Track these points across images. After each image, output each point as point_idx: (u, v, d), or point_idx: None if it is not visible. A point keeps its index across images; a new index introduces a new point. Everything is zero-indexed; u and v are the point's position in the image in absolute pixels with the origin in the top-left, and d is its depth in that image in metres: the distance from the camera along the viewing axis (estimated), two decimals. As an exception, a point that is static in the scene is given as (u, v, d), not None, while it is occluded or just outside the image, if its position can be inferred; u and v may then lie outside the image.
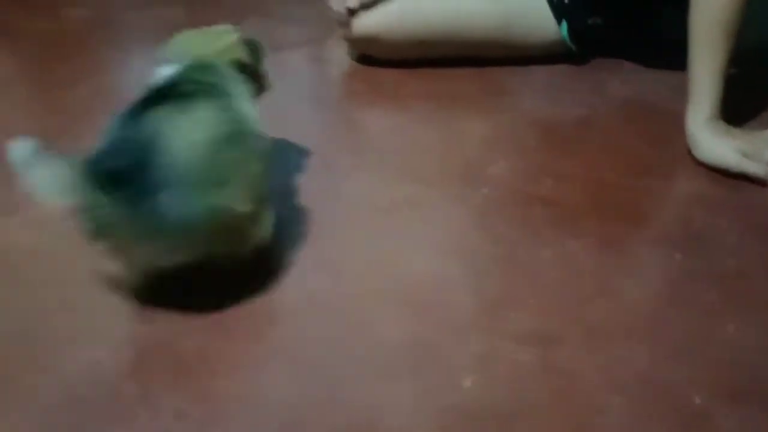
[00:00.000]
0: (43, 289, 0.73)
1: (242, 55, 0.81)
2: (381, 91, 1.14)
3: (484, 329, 0.68)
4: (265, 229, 0.72)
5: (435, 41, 1.16)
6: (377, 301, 0.71)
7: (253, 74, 0.82)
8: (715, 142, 0.91)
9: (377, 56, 1.19)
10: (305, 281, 0.74)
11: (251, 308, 0.70)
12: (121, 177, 0.63)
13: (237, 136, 0.68)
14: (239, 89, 0.74)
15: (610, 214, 0.84)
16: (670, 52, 0.98)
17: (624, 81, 1.14)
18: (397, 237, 0.80)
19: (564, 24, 1.15)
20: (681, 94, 0.95)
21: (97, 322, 0.69)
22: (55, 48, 1.29)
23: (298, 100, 1.12)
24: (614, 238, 0.81)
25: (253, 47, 0.84)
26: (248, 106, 0.73)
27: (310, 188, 0.89)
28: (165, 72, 0.74)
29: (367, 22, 1.15)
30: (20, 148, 0.66)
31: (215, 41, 0.83)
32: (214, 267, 0.67)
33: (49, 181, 0.66)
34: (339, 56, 1.24)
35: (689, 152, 0.94)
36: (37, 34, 1.34)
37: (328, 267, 0.76)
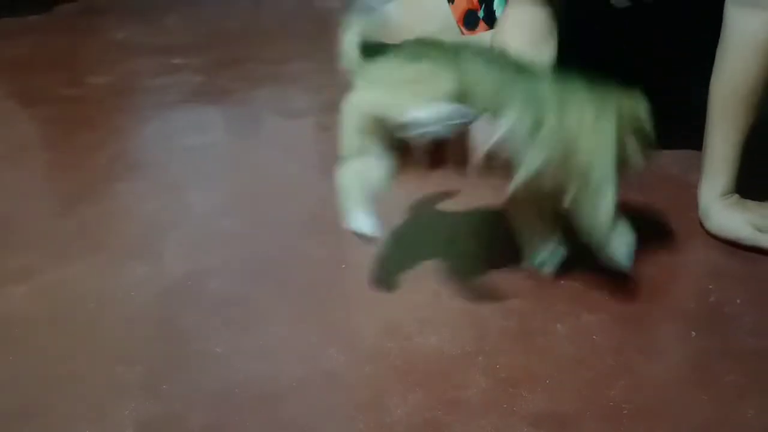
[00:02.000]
0: (48, 361, 0.73)
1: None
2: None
3: (497, 409, 0.67)
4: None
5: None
6: (388, 379, 0.70)
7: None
8: (727, 216, 0.91)
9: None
10: (316, 355, 0.73)
11: (260, 382, 0.70)
12: None
13: None
14: None
15: (625, 288, 0.83)
16: (687, 123, 0.99)
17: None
18: (409, 311, 0.79)
19: None
20: (696, 165, 0.95)
21: (105, 396, 0.68)
22: (77, 114, 1.33)
23: (310, 167, 1.13)
24: (629, 312, 0.79)
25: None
26: None
27: (322, 257, 0.89)
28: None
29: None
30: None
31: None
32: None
33: None
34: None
35: (702, 225, 0.94)
36: (60, 100, 1.38)
37: (341, 340, 0.75)
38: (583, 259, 0.85)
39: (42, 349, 0.75)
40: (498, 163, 0.72)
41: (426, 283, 0.84)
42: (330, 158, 1.20)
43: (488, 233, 0.94)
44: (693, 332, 0.77)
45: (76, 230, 0.96)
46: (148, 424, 0.65)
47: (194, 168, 1.12)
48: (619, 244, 0.77)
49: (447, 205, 0.99)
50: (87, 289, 0.84)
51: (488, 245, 0.91)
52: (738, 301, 0.81)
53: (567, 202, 0.75)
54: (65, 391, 0.69)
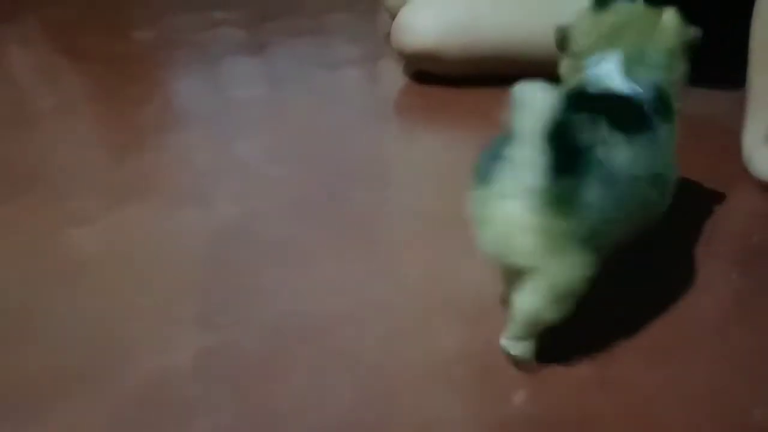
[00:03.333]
0: (113, 297, 0.77)
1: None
2: (435, 108, 1.16)
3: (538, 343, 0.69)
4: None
5: (493, 58, 1.16)
6: (434, 312, 0.73)
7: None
8: (769, 157, 0.90)
9: (433, 72, 1.20)
10: (363, 290, 0.76)
11: (309, 315, 0.73)
12: None
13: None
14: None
15: (668, 228, 0.83)
16: (729, 66, 0.97)
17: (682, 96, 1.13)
18: (453, 250, 0.82)
19: None
20: (740, 109, 0.94)
21: (165, 329, 0.72)
22: (124, 68, 1.36)
23: (354, 116, 1.15)
24: (673, 250, 0.80)
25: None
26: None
27: (368, 201, 0.92)
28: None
29: (424, 38, 1.16)
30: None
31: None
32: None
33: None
34: (394, 73, 1.27)
35: (746, 169, 0.93)
36: (106, 55, 1.42)
37: (387, 277, 0.78)
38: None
39: (103, 287, 0.79)
40: None
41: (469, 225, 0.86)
42: (373, 107, 1.23)
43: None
44: (736, 272, 0.77)
45: (130, 177, 1.00)
46: (206, 353, 0.69)
47: (240, 119, 1.15)
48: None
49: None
50: (143, 232, 0.88)
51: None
52: (781, 241, 0.82)
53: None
54: (127, 324, 0.73)
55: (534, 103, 0.54)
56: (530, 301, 0.59)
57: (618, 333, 0.69)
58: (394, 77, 1.27)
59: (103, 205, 0.93)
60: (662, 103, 0.70)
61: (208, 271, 0.81)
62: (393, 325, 0.72)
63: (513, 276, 0.59)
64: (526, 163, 0.55)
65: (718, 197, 0.90)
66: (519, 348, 0.63)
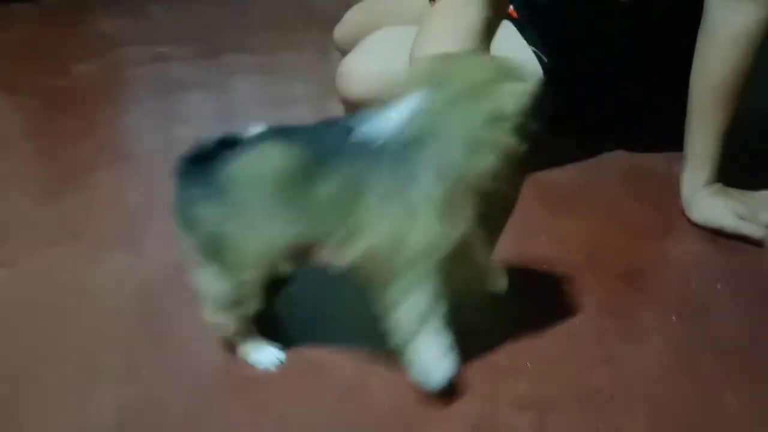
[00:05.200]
0: (29, 347, 0.72)
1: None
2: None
3: (481, 393, 0.67)
4: None
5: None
6: (369, 365, 0.70)
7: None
8: (710, 203, 0.91)
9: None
10: (296, 345, 0.73)
11: (239, 368, 0.70)
12: None
13: None
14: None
15: (608, 276, 0.83)
16: (667, 116, 0.99)
17: (620, 144, 1.15)
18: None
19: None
20: (678, 157, 0.96)
21: (86, 382, 0.68)
22: (63, 103, 1.32)
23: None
24: (612, 300, 0.80)
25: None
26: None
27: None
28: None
29: (367, 85, 1.15)
30: None
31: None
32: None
33: None
34: (338, 112, 1.26)
35: (684, 216, 0.94)
36: (45, 90, 1.37)
37: (318, 333, 0.75)
38: (571, 249, 0.86)
39: (22, 335, 0.74)
40: None
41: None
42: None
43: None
44: (674, 318, 0.77)
45: (58, 219, 0.95)
46: (129, 409, 0.65)
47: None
48: (430, 361, 0.63)
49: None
50: (68, 278, 0.83)
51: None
52: (719, 287, 0.82)
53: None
54: (45, 376, 0.69)
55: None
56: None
57: (560, 384, 0.68)
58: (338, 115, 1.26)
59: (26, 248, 0.88)
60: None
61: (134, 320, 0.76)
62: (327, 381, 0.69)
63: None
64: None
65: (658, 242, 0.91)
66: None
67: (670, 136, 0.99)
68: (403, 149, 0.58)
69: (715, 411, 0.66)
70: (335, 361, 0.71)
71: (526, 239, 0.90)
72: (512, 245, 0.88)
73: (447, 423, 0.64)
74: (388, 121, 0.59)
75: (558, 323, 0.76)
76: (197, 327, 0.75)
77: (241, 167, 0.62)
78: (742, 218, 0.89)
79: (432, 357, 0.63)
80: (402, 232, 0.58)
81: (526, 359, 0.71)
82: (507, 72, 0.60)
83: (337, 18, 1.34)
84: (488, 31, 0.87)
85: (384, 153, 0.58)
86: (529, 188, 1.01)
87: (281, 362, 0.70)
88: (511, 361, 0.71)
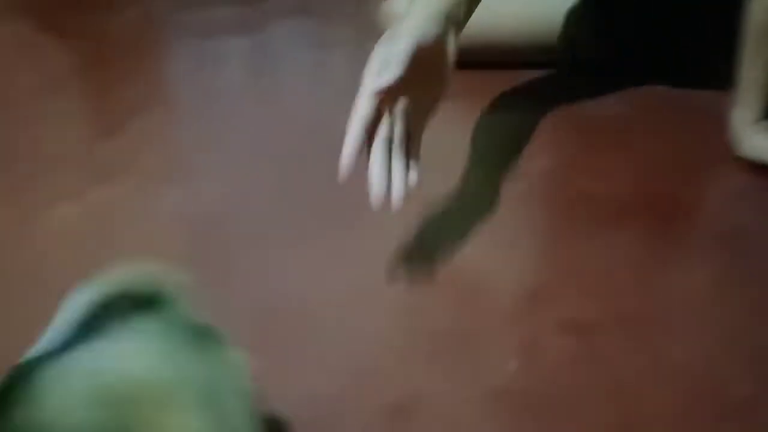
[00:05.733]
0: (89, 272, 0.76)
1: None
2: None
3: (526, 317, 0.69)
4: None
5: (482, 44, 1.15)
6: (426, 287, 0.73)
7: None
8: (759, 139, 0.90)
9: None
10: (346, 270, 0.76)
11: (292, 296, 0.73)
12: None
13: None
14: None
15: (654, 210, 0.84)
16: (716, 49, 0.97)
17: (668, 79, 1.13)
18: (438, 227, 0.81)
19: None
20: (726, 92, 0.94)
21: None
22: (111, 46, 1.34)
23: (342, 98, 1.14)
24: (657, 233, 0.81)
25: None
26: None
27: (353, 183, 0.91)
28: None
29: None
30: None
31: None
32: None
33: None
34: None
35: (734, 149, 0.93)
36: (93, 33, 1.40)
37: (372, 256, 0.78)
38: (617, 184, 0.86)
39: (80, 262, 0.78)
40: None
41: (454, 202, 0.85)
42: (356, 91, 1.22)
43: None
44: (721, 252, 0.78)
45: (113, 156, 0.99)
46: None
47: (227, 99, 1.14)
48: None
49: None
50: (125, 210, 0.87)
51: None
52: (763, 221, 0.82)
53: None
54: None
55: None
56: None
57: (602, 308, 0.70)
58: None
59: (84, 183, 0.92)
60: None
61: (189, 251, 0.80)
62: (378, 306, 0.72)
63: None
64: None
65: (704, 175, 0.90)
66: None
67: (718, 71, 0.97)
68: None
69: (756, 337, 0.67)
70: (380, 295, 0.73)
71: (571, 173, 0.91)
72: (560, 177, 0.90)
73: (491, 347, 0.66)
74: None
75: (602, 253, 0.77)
76: (246, 257, 0.78)
77: None
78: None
79: None
80: None
81: (568, 285, 0.73)
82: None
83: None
84: None
85: None
86: (572, 125, 1.02)
87: None
88: (552, 287, 0.73)
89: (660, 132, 1.00)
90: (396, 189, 0.70)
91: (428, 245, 0.79)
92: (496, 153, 0.96)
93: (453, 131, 1.02)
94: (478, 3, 0.81)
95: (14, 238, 0.81)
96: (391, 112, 0.72)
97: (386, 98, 0.69)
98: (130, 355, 0.41)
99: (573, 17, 1.13)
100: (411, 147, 0.73)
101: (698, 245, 0.79)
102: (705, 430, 0.59)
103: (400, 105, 0.72)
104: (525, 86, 1.13)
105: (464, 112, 1.07)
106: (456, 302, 0.71)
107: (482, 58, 1.15)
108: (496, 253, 0.78)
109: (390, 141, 0.71)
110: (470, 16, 0.79)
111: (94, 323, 0.45)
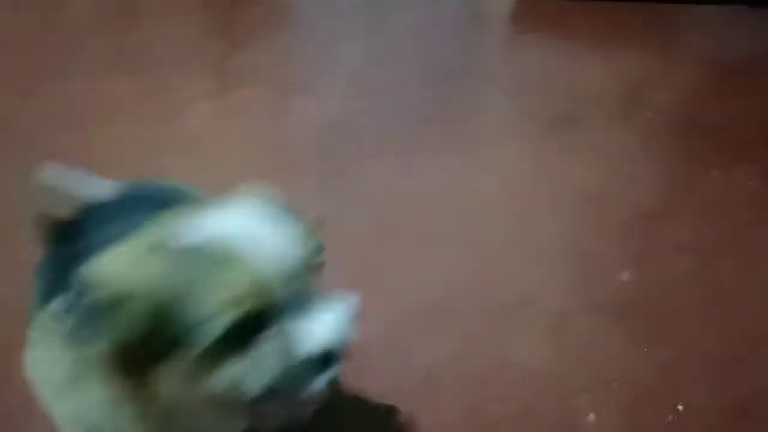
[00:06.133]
0: (225, 166, 0.82)
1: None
2: (551, 22, 1.14)
3: (641, 235, 0.70)
4: None
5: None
6: (538, 204, 0.75)
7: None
8: None
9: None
10: (469, 182, 0.79)
11: (409, 199, 0.76)
12: None
13: None
14: None
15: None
16: None
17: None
18: (557, 149, 0.83)
19: None
20: None
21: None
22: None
23: (461, 23, 1.16)
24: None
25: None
26: None
27: (468, 102, 0.94)
28: None
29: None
30: None
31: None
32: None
33: None
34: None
35: None
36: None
37: (493, 171, 0.81)
38: (743, 119, 0.85)
39: (217, 158, 0.84)
40: None
41: (574, 126, 0.86)
42: (482, 15, 1.21)
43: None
44: None
45: (242, 67, 1.04)
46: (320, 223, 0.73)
47: (345, 21, 1.17)
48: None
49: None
50: (255, 114, 0.92)
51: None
52: None
53: None
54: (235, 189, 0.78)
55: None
56: None
57: (720, 234, 0.70)
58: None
59: (218, 88, 0.98)
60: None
61: (316, 155, 0.84)
62: (493, 212, 0.75)
63: None
64: None
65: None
66: None
67: None
68: None
69: None
70: (500, 198, 0.76)
71: (696, 106, 0.90)
72: (685, 110, 0.89)
73: (607, 257, 0.68)
74: None
75: (723, 182, 0.77)
76: (370, 164, 0.82)
77: None
78: None
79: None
80: None
81: (685, 209, 0.73)
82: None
83: None
84: None
85: None
86: (699, 60, 1.00)
87: None
88: (669, 210, 0.73)
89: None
90: None
91: (547, 166, 0.81)
92: (622, 82, 0.96)
93: (574, 59, 1.02)
94: None
95: (155, 134, 0.88)
96: None
97: None
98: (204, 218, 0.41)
99: None
100: None
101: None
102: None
103: None
104: (652, 20, 1.11)
105: (589, 42, 1.06)
106: (570, 218, 0.73)
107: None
108: (614, 175, 0.79)
109: None
110: None
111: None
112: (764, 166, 0.80)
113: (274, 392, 0.40)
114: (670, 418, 0.55)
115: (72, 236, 0.48)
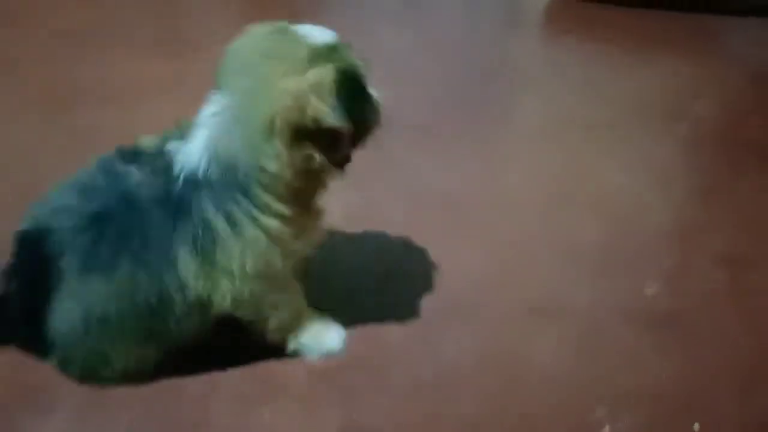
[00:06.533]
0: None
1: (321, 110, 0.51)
2: (588, 25, 1.13)
3: (676, 245, 0.69)
4: None
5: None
6: (574, 205, 0.75)
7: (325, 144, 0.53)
8: None
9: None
10: (504, 179, 0.79)
11: (444, 190, 0.76)
12: None
13: None
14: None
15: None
16: None
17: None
18: (596, 153, 0.82)
19: None
20: None
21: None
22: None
23: (500, 19, 1.15)
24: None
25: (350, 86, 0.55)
26: None
27: (505, 97, 0.93)
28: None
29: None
30: None
31: (292, 71, 0.51)
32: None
33: None
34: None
35: None
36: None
37: (528, 170, 0.80)
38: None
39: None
40: None
41: (612, 132, 0.85)
42: (521, 13, 1.20)
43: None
44: None
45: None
46: (352, 212, 0.73)
47: (387, 10, 1.17)
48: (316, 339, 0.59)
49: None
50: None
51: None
52: None
53: None
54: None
55: None
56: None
57: (759, 246, 0.69)
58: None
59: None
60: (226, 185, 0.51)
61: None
62: (525, 211, 0.74)
63: None
64: None
65: None
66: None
67: None
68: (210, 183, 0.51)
69: None
70: (526, 195, 0.75)
71: (735, 117, 0.88)
72: (723, 120, 0.87)
73: (639, 266, 0.67)
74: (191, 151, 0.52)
75: (762, 193, 0.76)
76: (407, 153, 0.82)
77: None
78: None
79: (317, 336, 0.59)
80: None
81: (723, 221, 0.72)
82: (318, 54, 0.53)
83: None
84: None
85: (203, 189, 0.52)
86: (739, 70, 0.98)
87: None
88: (707, 221, 0.72)
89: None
90: None
91: (584, 169, 0.80)
92: (663, 90, 0.94)
93: (616, 64, 1.01)
94: None
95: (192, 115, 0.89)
96: None
97: None
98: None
99: None
100: None
101: None
102: None
103: None
104: (694, 29, 1.09)
105: (631, 48, 1.05)
106: (605, 224, 0.72)
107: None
108: (652, 183, 0.78)
109: None
110: None
111: None
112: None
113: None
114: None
115: None
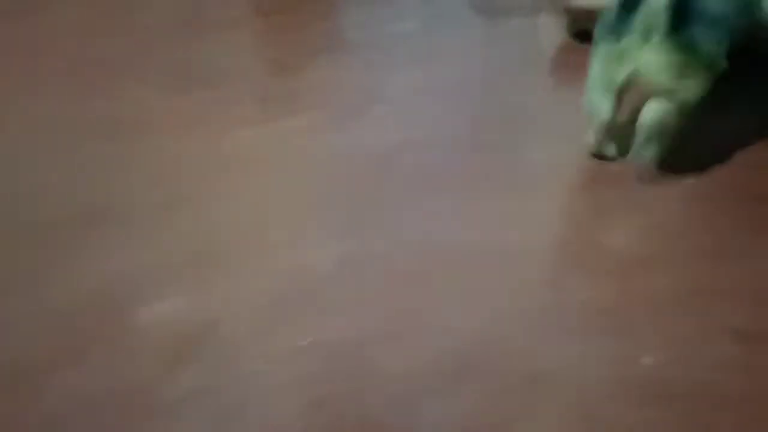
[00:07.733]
0: (261, 195, 0.81)
1: None
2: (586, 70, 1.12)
3: (684, 312, 0.66)
4: None
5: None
6: (574, 264, 0.72)
7: None
8: None
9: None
10: (501, 227, 0.76)
11: (449, 241, 0.74)
12: None
13: None
14: None
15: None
16: None
17: None
18: (597, 208, 0.80)
19: None
20: None
21: (309, 233, 0.75)
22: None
23: (507, 64, 1.14)
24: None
25: None
26: None
27: (513, 145, 0.91)
28: None
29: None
30: None
31: None
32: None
33: None
34: (555, 28, 1.24)
35: None
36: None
37: (527, 223, 0.78)
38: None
39: (254, 186, 0.84)
40: None
41: (613, 185, 0.83)
42: (529, 58, 1.20)
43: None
44: None
45: (289, 92, 1.04)
46: (349, 260, 0.72)
47: (396, 52, 1.17)
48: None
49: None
50: (298, 143, 0.92)
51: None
52: None
53: None
54: (272, 221, 0.78)
55: None
56: (661, 109, 0.77)
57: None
58: (554, 32, 1.23)
59: (263, 114, 0.98)
60: None
61: (356, 188, 0.83)
62: (526, 266, 0.72)
63: (638, 102, 0.78)
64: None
65: None
66: (648, 150, 0.79)
67: None
68: None
69: None
70: (535, 255, 0.73)
71: (747, 173, 0.85)
72: (733, 176, 0.85)
73: (640, 332, 0.64)
74: None
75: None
76: (410, 200, 0.80)
77: None
78: None
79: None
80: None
81: (738, 290, 0.69)
82: None
83: None
84: None
85: None
86: (752, 124, 0.96)
87: None
88: (722, 286, 0.69)
89: None
90: None
91: (585, 223, 0.78)
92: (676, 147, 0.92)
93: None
94: None
95: (195, 158, 0.88)
96: None
97: None
98: None
99: None
100: None
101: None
102: None
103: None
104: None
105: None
106: (603, 284, 0.69)
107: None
108: (658, 242, 0.75)
109: None
110: None
111: None
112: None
113: None
114: None
115: None
